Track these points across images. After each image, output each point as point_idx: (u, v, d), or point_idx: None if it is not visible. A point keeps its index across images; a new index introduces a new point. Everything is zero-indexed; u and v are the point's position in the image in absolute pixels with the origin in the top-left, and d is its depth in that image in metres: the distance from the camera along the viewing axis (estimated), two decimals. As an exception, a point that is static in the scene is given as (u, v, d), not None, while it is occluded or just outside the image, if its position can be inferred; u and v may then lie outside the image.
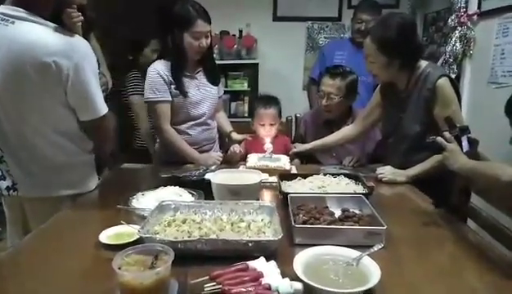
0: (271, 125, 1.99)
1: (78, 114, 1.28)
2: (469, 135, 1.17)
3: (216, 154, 1.93)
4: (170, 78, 1.80)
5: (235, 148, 1.91)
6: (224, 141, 2.21)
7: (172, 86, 1.81)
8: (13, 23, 1.16)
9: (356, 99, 2.06)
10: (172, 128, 1.86)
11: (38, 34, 1.16)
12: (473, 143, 1.16)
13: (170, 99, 1.82)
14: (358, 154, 1.98)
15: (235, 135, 2.07)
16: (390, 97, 1.70)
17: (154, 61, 1.87)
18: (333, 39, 3.48)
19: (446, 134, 1.18)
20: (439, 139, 1.19)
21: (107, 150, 1.52)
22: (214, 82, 1.98)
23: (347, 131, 1.92)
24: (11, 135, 1.27)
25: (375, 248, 0.93)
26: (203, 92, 1.91)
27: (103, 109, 1.30)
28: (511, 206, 1.06)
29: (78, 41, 1.23)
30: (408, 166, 1.60)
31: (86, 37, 1.52)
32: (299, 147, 2.02)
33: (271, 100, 2.05)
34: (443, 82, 1.48)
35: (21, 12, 1.17)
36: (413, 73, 1.56)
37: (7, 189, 1.34)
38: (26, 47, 1.14)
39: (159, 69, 1.81)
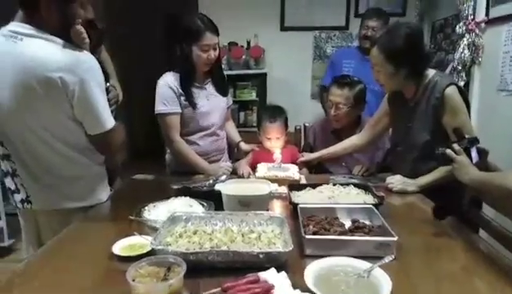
0: (278, 138, 1.99)
1: (85, 128, 1.30)
2: (479, 146, 1.17)
3: (225, 164, 1.95)
4: (180, 90, 1.83)
5: (244, 171, 1.88)
6: (233, 151, 2.22)
7: (182, 98, 1.84)
8: (21, 40, 1.19)
9: (364, 108, 2.07)
10: (182, 139, 1.88)
11: (45, 50, 1.18)
12: (482, 153, 1.16)
13: (180, 110, 1.85)
14: (368, 163, 1.98)
15: (243, 146, 2.09)
16: (398, 106, 1.70)
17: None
18: (340, 48, 3.50)
19: (455, 146, 1.18)
20: (448, 151, 1.19)
21: (117, 162, 1.53)
22: (223, 92, 2.00)
23: (355, 139, 1.93)
24: (23, 149, 1.30)
25: (386, 260, 0.93)
26: (212, 103, 1.94)
27: (109, 122, 1.31)
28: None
29: (85, 56, 1.24)
30: (418, 174, 1.60)
31: (96, 50, 1.55)
32: (307, 156, 2.03)
33: (277, 113, 2.04)
34: (451, 91, 1.48)
35: (29, 29, 1.19)
36: (421, 81, 1.57)
37: (22, 201, 1.37)
38: (33, 63, 1.17)
39: (168, 81, 1.84)
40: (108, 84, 1.46)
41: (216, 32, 1.80)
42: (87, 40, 1.29)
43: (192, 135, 1.92)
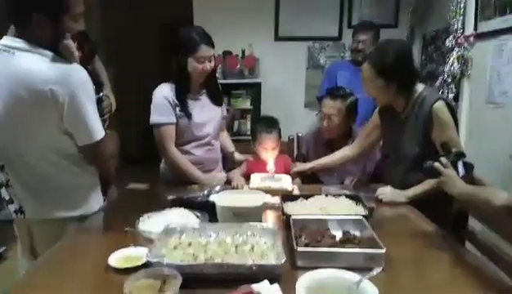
0: (274, 148, 2.03)
1: (75, 139, 1.32)
2: (465, 160, 1.21)
3: (220, 174, 1.98)
4: (175, 101, 1.86)
5: (238, 182, 1.91)
6: (227, 160, 2.25)
7: (177, 109, 1.87)
8: (13, 54, 1.21)
9: (356, 120, 2.12)
10: (177, 149, 1.91)
11: (36, 64, 1.20)
12: (468, 167, 1.20)
13: (175, 121, 1.87)
14: (359, 174, 2.02)
15: (237, 156, 2.13)
16: (388, 119, 1.75)
17: None
18: (335, 60, 3.56)
19: (443, 159, 1.22)
20: (436, 164, 1.23)
21: (109, 171, 1.52)
22: (218, 103, 2.04)
23: (346, 151, 1.97)
24: (16, 160, 1.32)
25: (374, 272, 0.96)
26: (207, 113, 1.97)
27: (99, 133, 1.32)
28: (505, 228, 1.09)
29: (74, 69, 1.26)
30: (407, 186, 1.63)
31: (90, 61, 1.56)
32: (300, 166, 2.07)
33: (272, 123, 2.08)
34: (439, 106, 1.53)
35: (21, 43, 1.22)
36: (410, 96, 1.62)
37: (15, 211, 1.39)
38: (24, 76, 1.19)
39: (164, 92, 1.87)
40: (101, 94, 1.48)
41: (211, 44, 1.83)
42: (77, 53, 1.31)
43: (187, 144, 1.94)
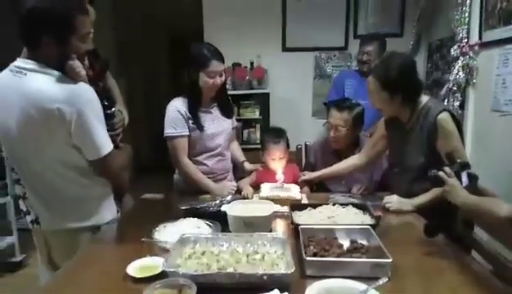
0: (281, 158, 2.09)
1: (84, 154, 1.37)
2: (469, 171, 1.24)
3: (230, 184, 2.03)
4: (188, 114, 1.93)
5: (248, 192, 1.96)
6: (238, 170, 2.31)
7: (190, 121, 1.94)
8: (25, 74, 1.29)
9: (362, 129, 2.16)
10: (190, 160, 1.97)
11: (45, 84, 1.28)
12: (472, 178, 1.23)
13: (188, 133, 1.94)
14: (366, 182, 2.06)
15: (247, 166, 2.18)
16: (394, 130, 1.79)
17: None
18: (341, 69, 3.62)
19: (447, 169, 1.25)
20: (441, 173, 1.26)
21: (122, 183, 1.56)
22: (228, 115, 2.10)
23: (353, 160, 2.02)
24: (29, 173, 1.39)
25: (380, 282, 1.00)
26: (218, 125, 2.04)
27: (106, 149, 1.37)
28: (509, 238, 1.12)
29: (81, 88, 1.32)
30: (413, 195, 1.67)
31: (102, 78, 1.61)
32: (308, 175, 2.12)
33: (280, 134, 2.15)
34: (444, 117, 1.57)
35: (32, 64, 1.30)
36: (415, 107, 1.66)
37: (32, 222, 1.46)
38: (35, 96, 1.27)
39: (177, 106, 1.94)
40: (114, 109, 1.53)
41: (222, 60, 1.90)
42: (83, 73, 1.37)
43: (199, 155, 2.01)
